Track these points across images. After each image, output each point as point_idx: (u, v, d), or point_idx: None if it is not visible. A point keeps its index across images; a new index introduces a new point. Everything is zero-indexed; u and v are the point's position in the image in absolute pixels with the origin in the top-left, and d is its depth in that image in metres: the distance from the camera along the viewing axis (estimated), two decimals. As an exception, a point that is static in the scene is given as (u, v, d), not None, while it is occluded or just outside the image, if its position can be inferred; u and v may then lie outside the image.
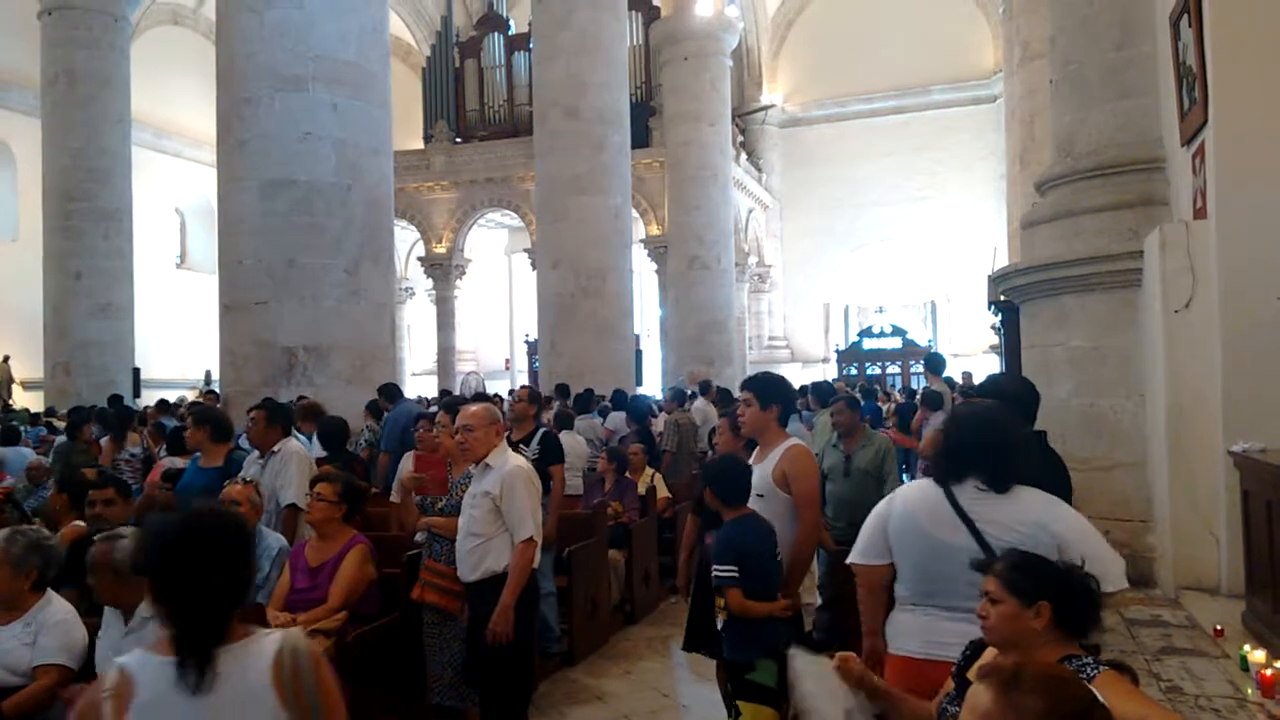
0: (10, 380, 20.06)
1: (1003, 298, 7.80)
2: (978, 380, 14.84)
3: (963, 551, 2.54)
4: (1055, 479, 2.96)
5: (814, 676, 2.55)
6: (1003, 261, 15.01)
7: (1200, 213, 5.38)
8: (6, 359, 20.08)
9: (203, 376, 24.43)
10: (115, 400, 13.57)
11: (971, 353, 24.51)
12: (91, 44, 16.79)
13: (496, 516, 3.97)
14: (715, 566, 3.58)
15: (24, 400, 19.16)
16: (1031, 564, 2.28)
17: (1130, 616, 4.95)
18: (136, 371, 17.41)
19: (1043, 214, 6.69)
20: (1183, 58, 5.57)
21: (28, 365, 19.60)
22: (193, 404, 11.25)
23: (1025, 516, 2.62)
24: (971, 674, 2.28)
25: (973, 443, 2.70)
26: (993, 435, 2.72)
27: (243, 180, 8.62)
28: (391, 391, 8.63)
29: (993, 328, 13.71)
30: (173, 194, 26.97)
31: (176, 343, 24.97)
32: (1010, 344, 8.20)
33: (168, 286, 25.42)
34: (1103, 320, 6.11)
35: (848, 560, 2.92)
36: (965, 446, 2.71)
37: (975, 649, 2.42)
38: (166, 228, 27.06)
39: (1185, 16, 5.46)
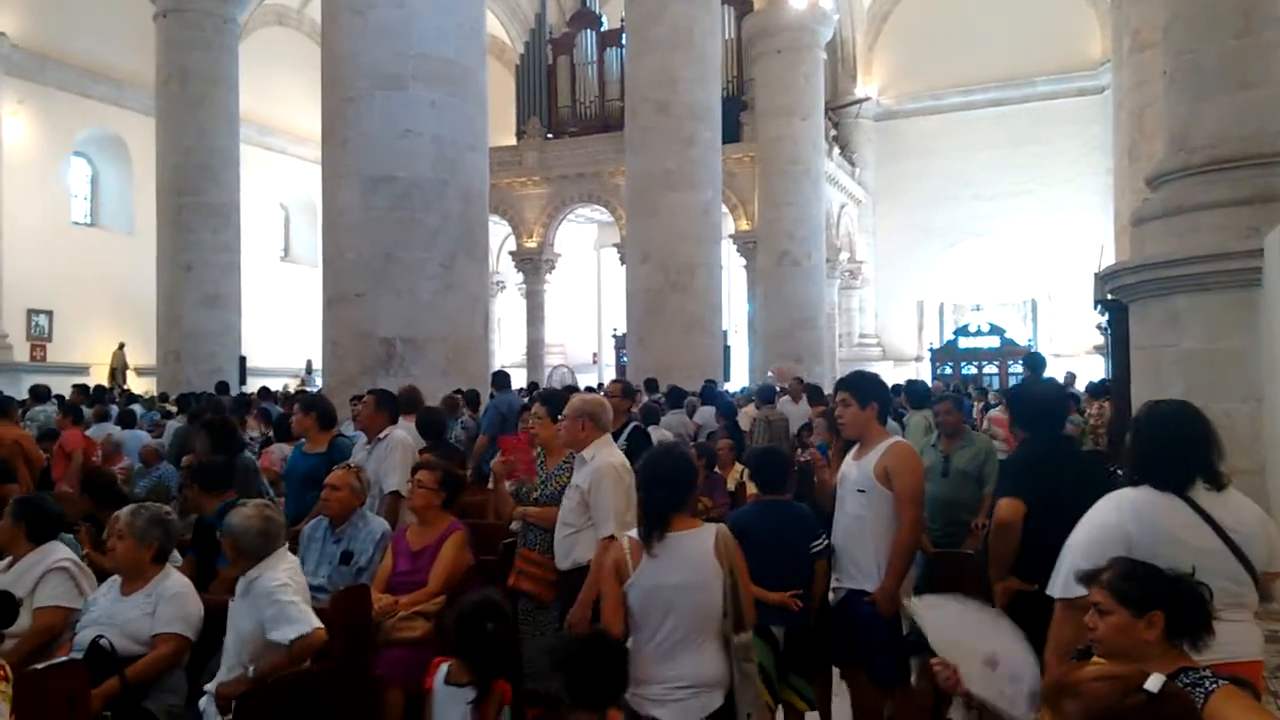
0: (125, 367, 21.11)
1: (1110, 296, 7.53)
2: (1081, 382, 14.38)
3: (1212, 555, 2.48)
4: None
5: (944, 623, 2.53)
6: (1110, 259, 14.49)
7: (1328, 209, 5.11)
8: (121, 346, 21.14)
9: (304, 365, 25.29)
10: (222, 387, 14.16)
11: (1074, 353, 23.72)
12: (203, 45, 17.45)
13: (585, 510, 4.05)
14: None
15: (137, 386, 20.12)
16: (1141, 572, 2.22)
17: (1244, 630, 4.73)
18: (242, 360, 18.09)
19: (1154, 210, 6.43)
20: (1311, 45, 5.29)
21: (141, 352, 20.59)
22: (300, 392, 11.65)
23: (1245, 511, 2.59)
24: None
25: (1195, 439, 2.62)
26: (1206, 430, 2.65)
27: (345, 177, 8.87)
28: (501, 379, 8.93)
29: (1098, 327, 13.25)
30: (277, 189, 27.95)
31: (280, 333, 25.89)
32: (1117, 344, 7.92)
33: (272, 279, 26.37)
34: (1218, 321, 5.85)
35: (1071, 596, 2.56)
36: (1190, 446, 2.61)
37: (1081, 658, 2.37)
38: (271, 222, 28.06)
39: (1314, 1, 5.18)
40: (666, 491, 3.04)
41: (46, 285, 21.31)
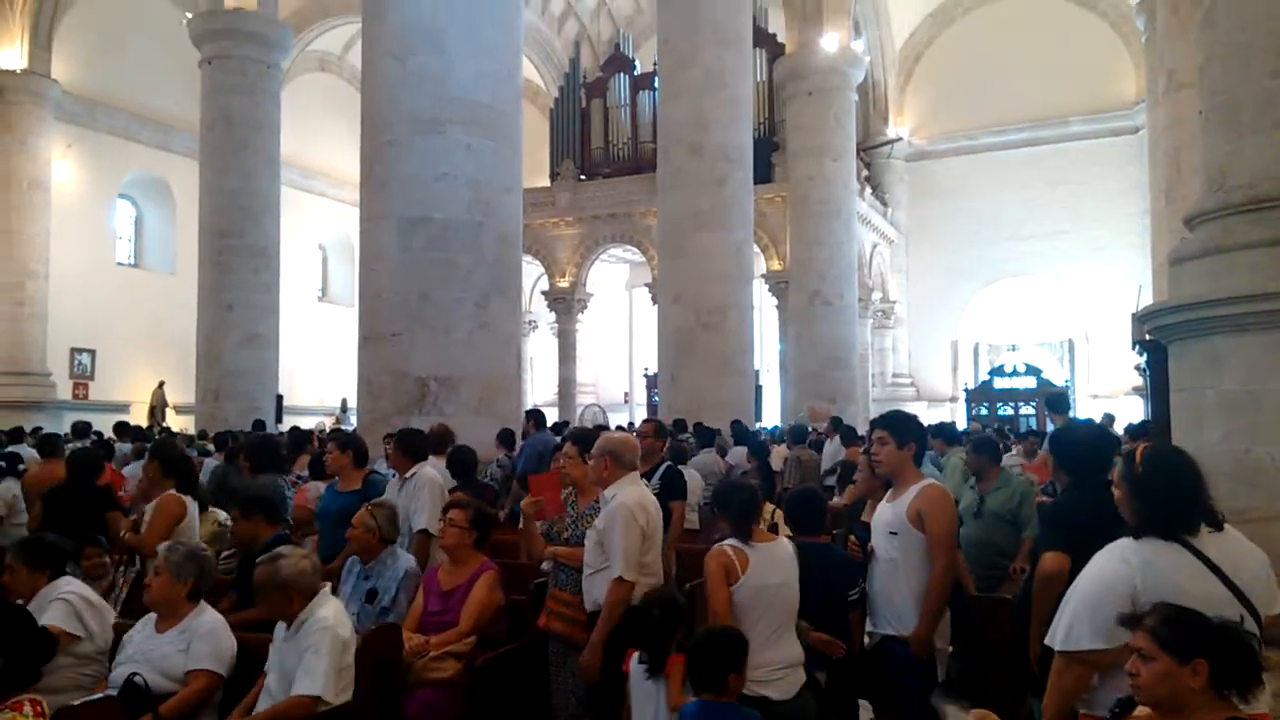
0: (164, 405, 21.42)
1: (1148, 337, 7.43)
2: (1119, 423, 14.13)
3: (1219, 604, 2.40)
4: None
5: None
6: (1148, 299, 14.32)
7: (1371, 248, 5.02)
8: (161, 385, 21.47)
9: (339, 404, 25.54)
10: (259, 425, 14.32)
11: (1113, 394, 23.38)
12: (246, 90, 17.87)
13: (602, 550, 4.03)
14: None
15: (177, 424, 20.41)
16: (1185, 618, 2.18)
17: (1293, 681, 4.59)
18: (279, 398, 18.30)
19: (1192, 250, 6.35)
20: (1349, 84, 5.24)
21: (181, 391, 20.90)
22: (334, 431, 11.77)
23: (1246, 554, 2.53)
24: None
25: (1198, 483, 2.58)
26: (1199, 471, 2.60)
27: (382, 218, 9.00)
28: (538, 417, 8.99)
29: (1137, 368, 13.06)
30: (316, 231, 28.45)
31: (317, 372, 26.21)
32: (1156, 386, 7.80)
33: (310, 318, 26.76)
34: (1259, 362, 5.72)
35: (1073, 648, 2.56)
36: (1196, 490, 2.57)
37: (1124, 706, 2.32)
38: (310, 262, 28.54)
39: (1352, 41, 5.14)
40: (740, 506, 3.72)
41: (90, 324, 21.79)
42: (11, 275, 20.23)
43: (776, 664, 3.55)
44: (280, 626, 3.67)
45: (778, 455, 10.84)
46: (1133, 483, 2.64)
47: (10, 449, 10.02)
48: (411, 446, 5.61)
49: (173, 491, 5.20)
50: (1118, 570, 2.53)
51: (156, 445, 5.89)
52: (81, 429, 12.14)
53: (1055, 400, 10.00)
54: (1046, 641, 2.65)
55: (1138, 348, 9.62)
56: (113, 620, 3.99)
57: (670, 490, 5.90)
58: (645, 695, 3.43)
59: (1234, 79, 6.15)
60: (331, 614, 3.59)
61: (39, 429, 14.54)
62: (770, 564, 3.63)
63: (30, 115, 20.51)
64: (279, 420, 17.45)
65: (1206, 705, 2.07)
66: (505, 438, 8.93)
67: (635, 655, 3.53)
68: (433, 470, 5.51)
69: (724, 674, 3.09)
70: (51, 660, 3.52)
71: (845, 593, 3.94)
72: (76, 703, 3.07)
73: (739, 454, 10.65)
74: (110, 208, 23.30)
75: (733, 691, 3.13)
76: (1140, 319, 7.53)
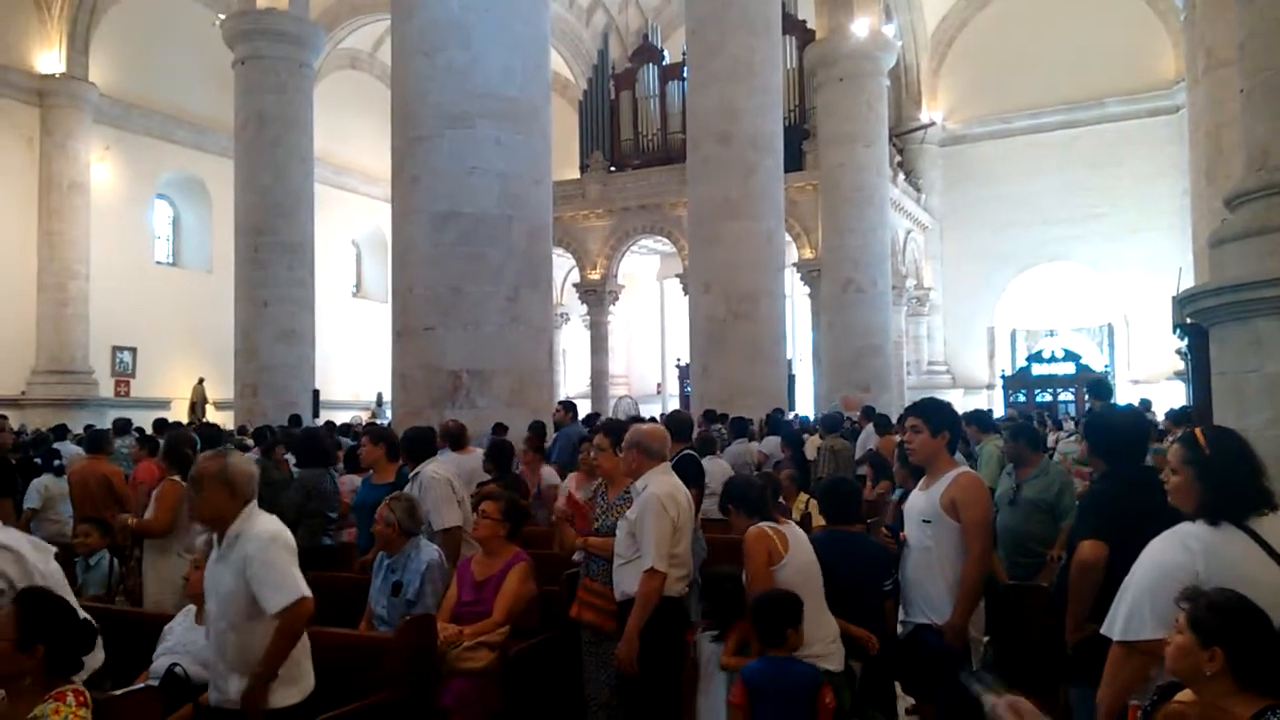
0: (204, 401, 21.76)
1: (1189, 320, 7.30)
2: (1158, 408, 13.91)
3: (1276, 591, 2.33)
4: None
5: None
6: (1189, 282, 14.06)
7: None
8: (201, 381, 21.81)
9: (375, 398, 25.79)
10: (295, 420, 14.47)
11: (1154, 378, 23.01)
12: (279, 89, 18.03)
13: (633, 540, 4.04)
14: None
15: (215, 419, 20.72)
16: (1228, 607, 2.12)
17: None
18: (316, 393, 18.48)
19: (1233, 231, 6.22)
20: (1396, 57, 5.09)
21: (220, 387, 21.22)
22: (368, 425, 11.88)
23: None
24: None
25: (1259, 465, 2.52)
26: (1253, 449, 2.55)
27: (414, 213, 9.07)
28: (571, 407, 9.09)
29: (1178, 352, 12.83)
30: (349, 227, 28.70)
31: (351, 366, 26.47)
32: (1198, 370, 7.66)
33: (344, 314, 27.01)
34: (1304, 344, 5.60)
35: (1133, 638, 2.47)
36: (1258, 474, 2.51)
37: (1164, 693, 2.28)
38: (344, 259, 28.80)
39: (1399, 12, 4.99)
40: (755, 496, 4.04)
41: (130, 323, 22.17)
42: (54, 275, 20.67)
43: (829, 638, 3.74)
44: (217, 548, 3.30)
45: (811, 445, 10.79)
46: (1201, 466, 2.56)
47: (54, 445, 10.23)
48: (410, 448, 5.59)
49: (174, 477, 5.52)
50: (1178, 557, 2.45)
51: (167, 439, 6.28)
52: (122, 425, 12.33)
53: (1097, 386, 9.83)
54: (1104, 631, 2.58)
55: (1178, 331, 9.45)
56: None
57: (687, 477, 5.89)
58: (708, 655, 3.87)
59: (1275, 56, 6.00)
60: (270, 525, 3.25)
61: (90, 427, 14.83)
62: (801, 544, 3.86)
63: (69, 118, 20.90)
64: (315, 415, 17.63)
65: (1231, 694, 2.04)
66: (537, 430, 8.96)
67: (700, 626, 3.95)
68: (435, 467, 5.40)
69: (783, 629, 3.45)
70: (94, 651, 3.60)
71: (879, 583, 3.93)
72: (117, 693, 3.12)
73: (773, 443, 10.62)
74: (148, 208, 23.66)
75: (792, 646, 3.46)
76: (1180, 302, 7.40)
